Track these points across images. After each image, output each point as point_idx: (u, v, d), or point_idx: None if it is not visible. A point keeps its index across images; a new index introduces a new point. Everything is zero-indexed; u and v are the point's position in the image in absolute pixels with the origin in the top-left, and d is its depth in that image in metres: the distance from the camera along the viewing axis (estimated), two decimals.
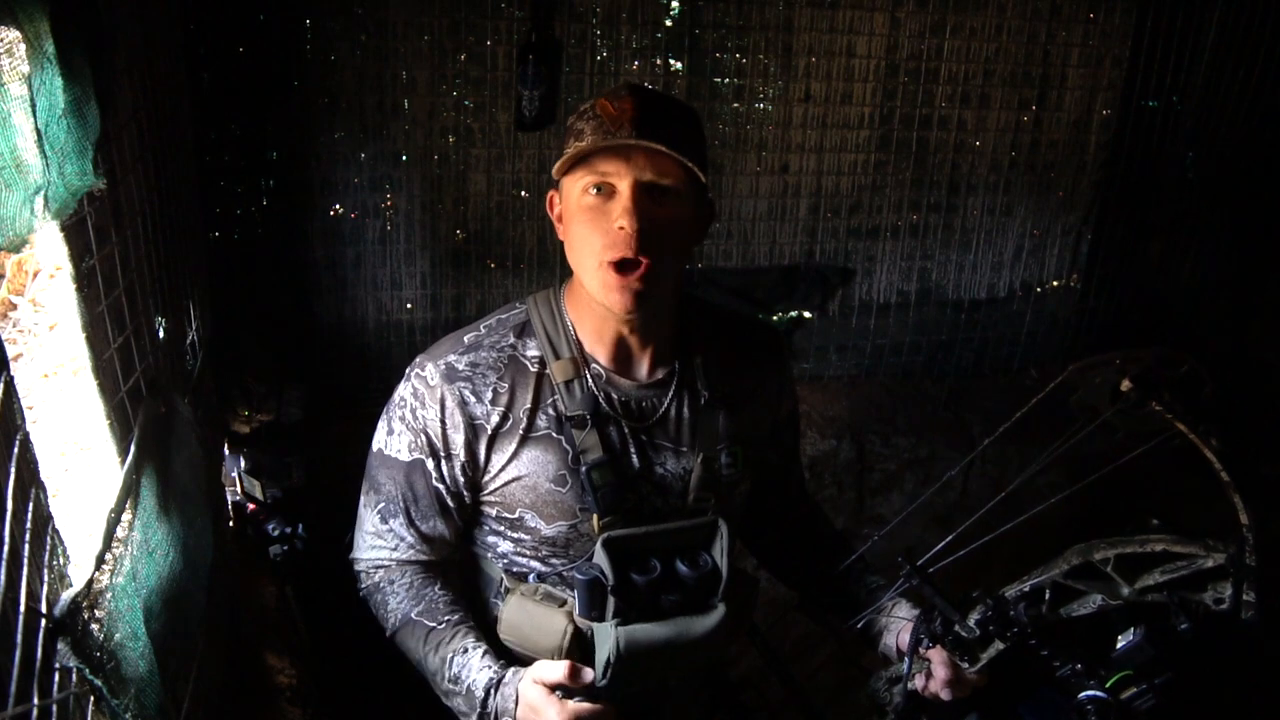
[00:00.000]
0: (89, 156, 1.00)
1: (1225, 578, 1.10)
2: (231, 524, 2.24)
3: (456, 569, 1.54)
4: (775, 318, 3.69)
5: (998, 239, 3.87)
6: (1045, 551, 1.23)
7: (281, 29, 2.77)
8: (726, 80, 3.36)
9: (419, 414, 1.40)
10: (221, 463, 2.31)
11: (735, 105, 3.39)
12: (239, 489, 2.33)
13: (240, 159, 2.83)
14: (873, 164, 3.60)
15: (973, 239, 3.84)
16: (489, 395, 1.38)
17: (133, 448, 1.21)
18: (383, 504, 1.45)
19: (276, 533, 2.25)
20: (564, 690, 1.25)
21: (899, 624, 1.46)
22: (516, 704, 1.28)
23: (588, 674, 1.26)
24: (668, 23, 3.23)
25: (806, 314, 3.73)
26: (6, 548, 0.82)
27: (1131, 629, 1.19)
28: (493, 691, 1.31)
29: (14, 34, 0.87)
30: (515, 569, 1.45)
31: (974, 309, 3.92)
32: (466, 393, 1.37)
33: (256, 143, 2.83)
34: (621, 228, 1.26)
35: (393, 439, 1.43)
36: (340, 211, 2.96)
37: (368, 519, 1.48)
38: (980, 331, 3.93)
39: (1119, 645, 1.19)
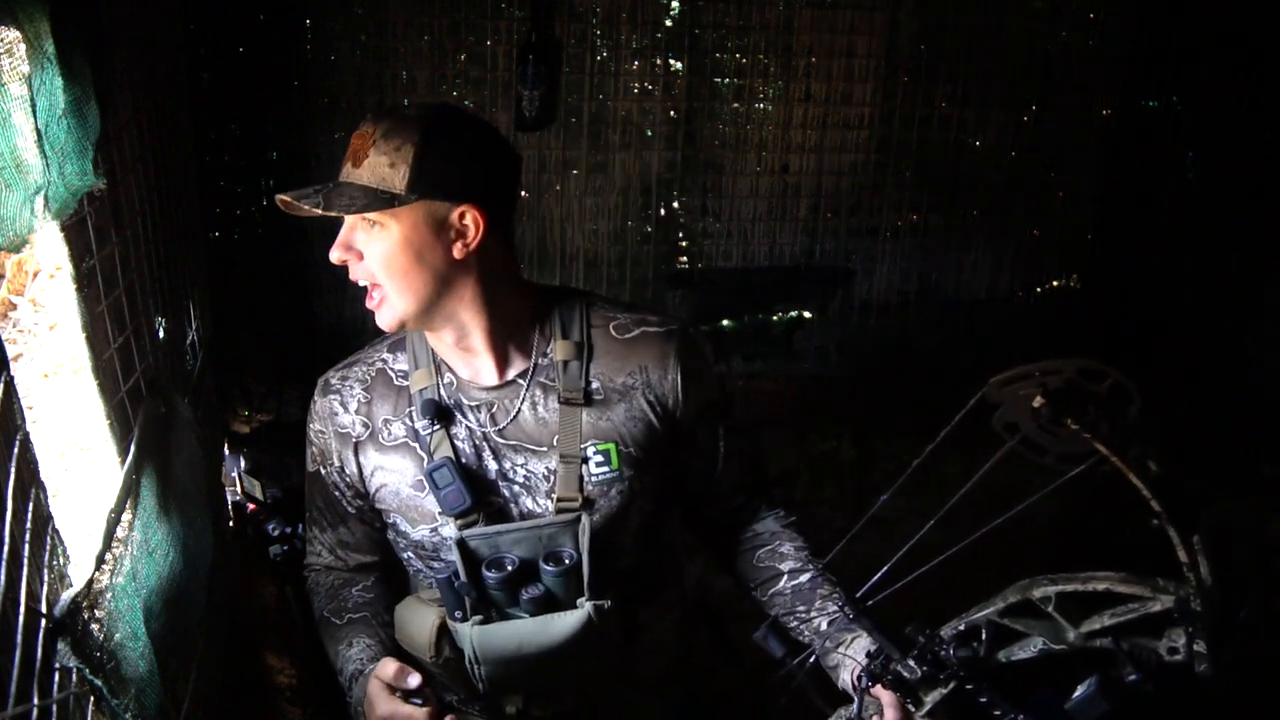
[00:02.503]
0: (89, 156, 1.01)
1: (1180, 624, 1.00)
2: (231, 524, 2.24)
3: (401, 572, 1.56)
4: (775, 318, 3.70)
5: (998, 239, 3.87)
6: (1035, 566, 1.15)
7: (281, 29, 2.77)
8: (726, 80, 3.36)
9: (311, 428, 1.48)
10: (221, 463, 2.31)
11: (735, 105, 3.39)
12: (239, 489, 2.34)
13: (240, 159, 2.83)
14: (873, 164, 3.60)
15: (973, 239, 3.84)
16: (353, 406, 1.44)
17: (133, 448, 1.21)
18: (309, 512, 1.55)
19: (276, 533, 2.25)
20: (402, 692, 1.31)
21: (854, 662, 1.38)
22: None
23: (413, 680, 1.31)
24: (668, 23, 3.23)
25: (806, 314, 3.73)
26: (6, 548, 0.82)
27: (1089, 678, 1.08)
28: (354, 681, 1.40)
29: (14, 34, 0.87)
30: (416, 571, 1.50)
31: (974, 309, 3.91)
32: (336, 404, 1.45)
33: (256, 143, 2.83)
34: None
35: (306, 452, 1.51)
36: None
37: (306, 524, 1.59)
38: (980, 331, 3.93)
39: (1075, 695, 1.08)
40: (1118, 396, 1.03)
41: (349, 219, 1.29)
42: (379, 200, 1.23)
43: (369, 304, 1.33)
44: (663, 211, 3.48)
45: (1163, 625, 1.02)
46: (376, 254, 1.28)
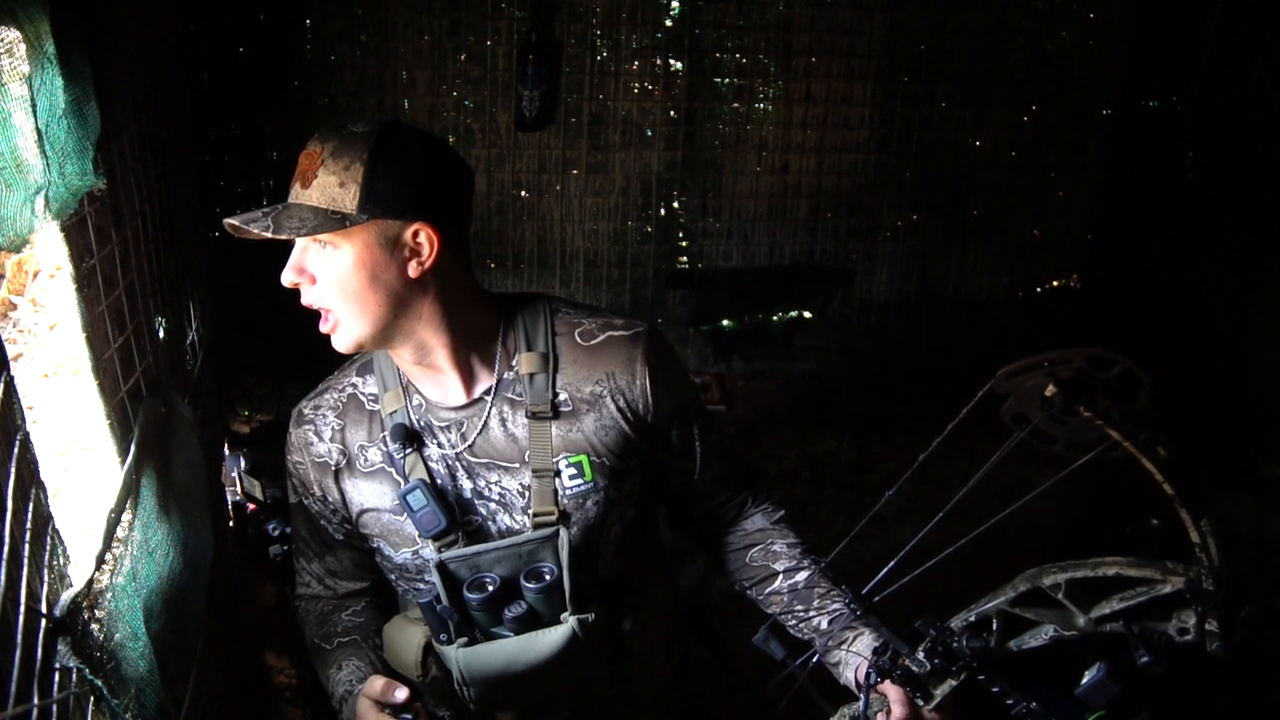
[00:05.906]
0: (89, 156, 1.01)
1: (1189, 605, 1.01)
2: (231, 524, 2.24)
3: (391, 593, 1.56)
4: (775, 318, 3.70)
5: (998, 239, 3.87)
6: (1032, 560, 1.15)
7: (281, 29, 2.77)
8: (726, 80, 3.36)
9: (289, 459, 1.48)
10: (221, 463, 2.31)
11: (735, 105, 3.39)
12: (239, 489, 2.34)
13: (240, 159, 2.83)
14: (873, 164, 3.60)
15: (973, 239, 3.84)
16: (328, 434, 1.44)
17: (133, 448, 1.21)
18: (295, 543, 1.56)
19: (276, 533, 2.25)
20: (390, 707, 1.31)
21: (858, 659, 1.38)
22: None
23: (400, 693, 1.32)
24: (668, 23, 3.23)
25: (806, 314, 3.73)
26: (6, 548, 0.82)
27: (1097, 664, 1.10)
28: (344, 703, 1.41)
29: (14, 34, 0.87)
30: (403, 591, 1.51)
31: (974, 309, 3.92)
32: (310, 434, 1.45)
33: (256, 143, 2.83)
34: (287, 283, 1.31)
35: (287, 483, 1.52)
36: None
37: (293, 555, 1.59)
38: (980, 331, 3.93)
39: (1083, 681, 1.11)
40: (1127, 383, 1.04)
41: (300, 241, 1.27)
42: (330, 221, 1.21)
43: (323, 327, 1.31)
44: (663, 211, 3.48)
45: (1172, 607, 1.04)
46: (330, 276, 1.26)
